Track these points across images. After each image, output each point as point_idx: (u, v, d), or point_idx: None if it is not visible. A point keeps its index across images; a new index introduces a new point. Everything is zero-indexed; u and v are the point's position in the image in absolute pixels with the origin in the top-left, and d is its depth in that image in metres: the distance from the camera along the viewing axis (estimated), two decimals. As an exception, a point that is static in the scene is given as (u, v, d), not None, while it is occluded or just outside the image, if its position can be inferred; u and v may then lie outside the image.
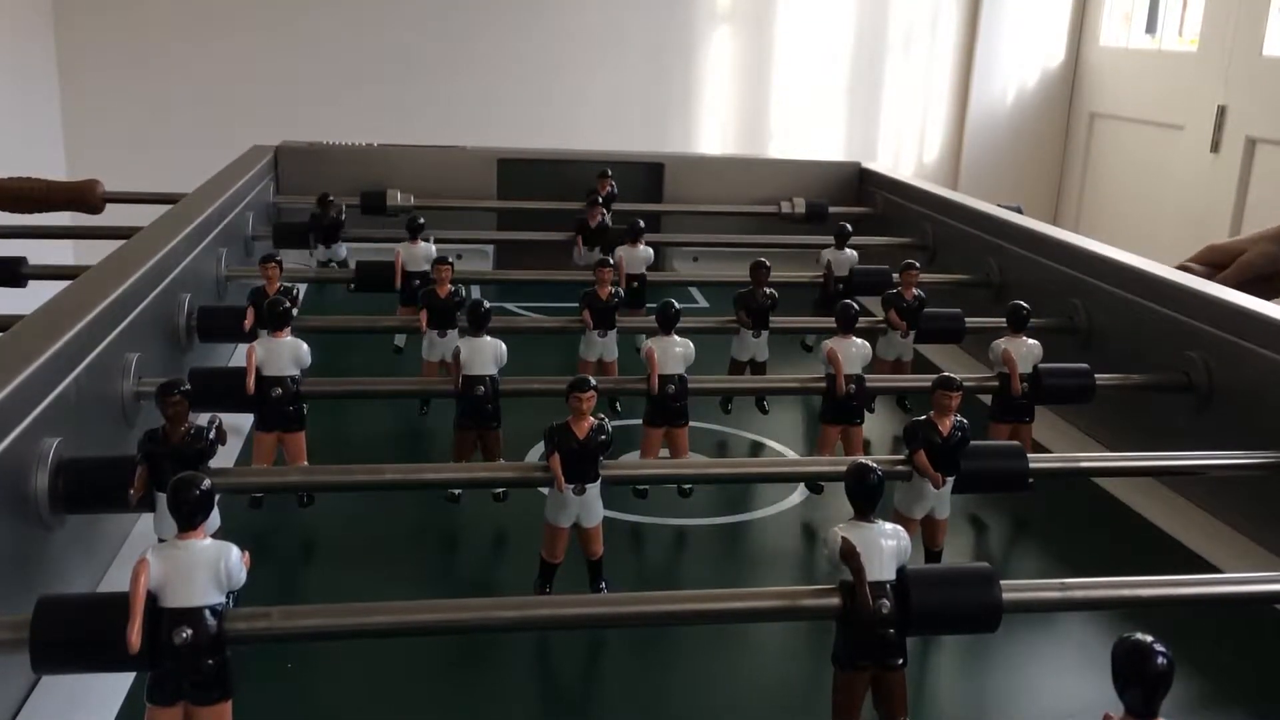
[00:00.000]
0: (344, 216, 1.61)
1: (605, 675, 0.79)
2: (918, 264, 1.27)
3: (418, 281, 1.31)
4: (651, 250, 1.42)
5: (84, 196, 1.68)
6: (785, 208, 1.98)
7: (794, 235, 1.90)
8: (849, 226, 1.52)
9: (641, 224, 1.42)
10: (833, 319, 1.05)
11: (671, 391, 0.97)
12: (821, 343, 1.05)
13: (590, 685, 0.79)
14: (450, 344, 1.14)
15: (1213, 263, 1.56)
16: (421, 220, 1.35)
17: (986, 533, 1.03)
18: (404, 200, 1.82)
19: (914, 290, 1.25)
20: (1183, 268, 1.49)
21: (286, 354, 0.91)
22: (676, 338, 0.99)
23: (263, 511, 0.96)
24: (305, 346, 0.92)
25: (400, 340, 1.36)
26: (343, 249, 1.61)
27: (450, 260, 1.18)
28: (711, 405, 1.26)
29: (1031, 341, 1.07)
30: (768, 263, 1.22)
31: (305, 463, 0.92)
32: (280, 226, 1.66)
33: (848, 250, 1.49)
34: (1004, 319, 1.09)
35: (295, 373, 0.92)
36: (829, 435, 1.02)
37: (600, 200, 1.70)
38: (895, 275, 1.29)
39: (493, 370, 0.95)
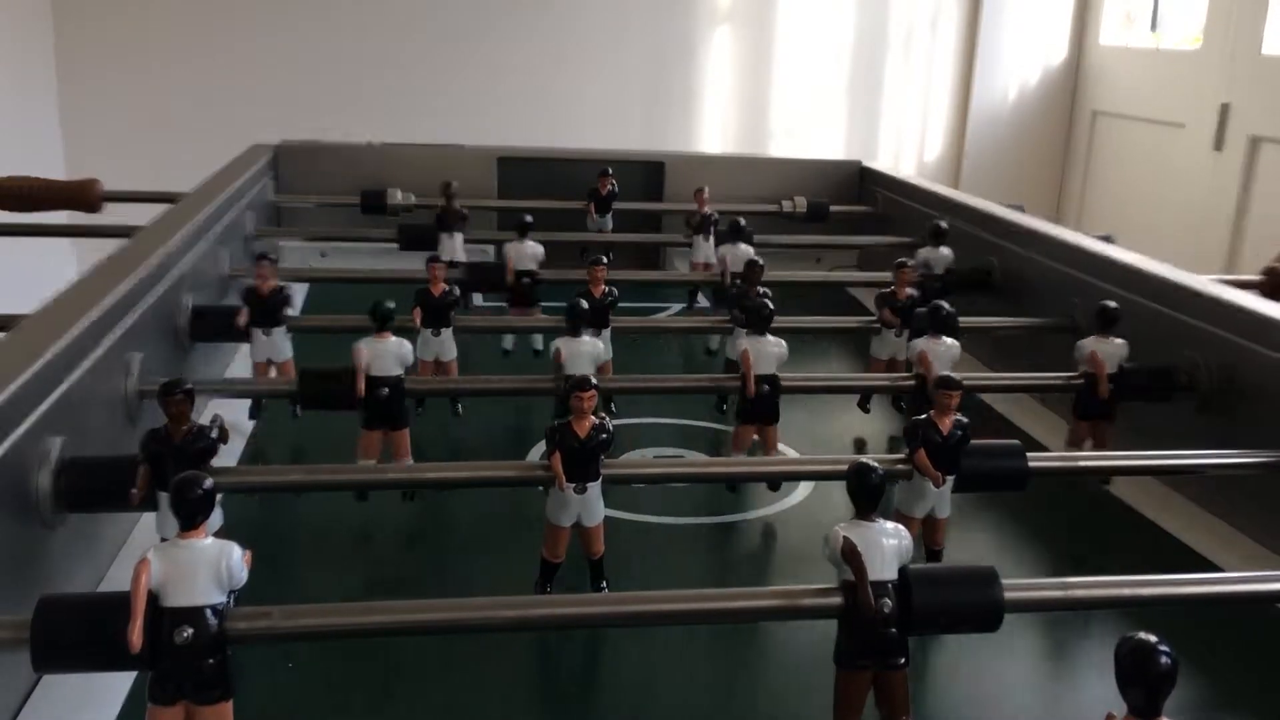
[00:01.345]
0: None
1: (605, 674, 0.79)
2: (910, 261, 1.27)
3: (527, 280, 1.33)
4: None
5: (83, 196, 1.68)
6: (787, 206, 1.97)
7: (795, 235, 1.90)
8: (943, 224, 1.51)
9: (743, 221, 1.49)
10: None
11: (766, 391, 0.99)
12: (912, 343, 1.08)
13: (590, 684, 0.79)
14: (445, 343, 1.14)
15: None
16: (529, 218, 1.38)
17: (987, 532, 1.03)
18: (404, 199, 1.82)
19: (907, 290, 1.25)
20: (1270, 270, 1.49)
21: (391, 354, 0.93)
22: (770, 338, 1.00)
23: (264, 511, 0.96)
24: (408, 346, 0.95)
25: (508, 343, 1.37)
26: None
27: (444, 259, 1.18)
28: (707, 404, 1.26)
29: (1119, 341, 1.07)
30: (761, 261, 1.23)
31: (410, 459, 0.95)
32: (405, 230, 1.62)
33: (943, 249, 1.48)
34: (1089, 320, 1.10)
35: (400, 372, 0.94)
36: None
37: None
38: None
39: (590, 369, 0.96)
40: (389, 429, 0.94)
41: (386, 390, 0.93)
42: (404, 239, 1.59)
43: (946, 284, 1.43)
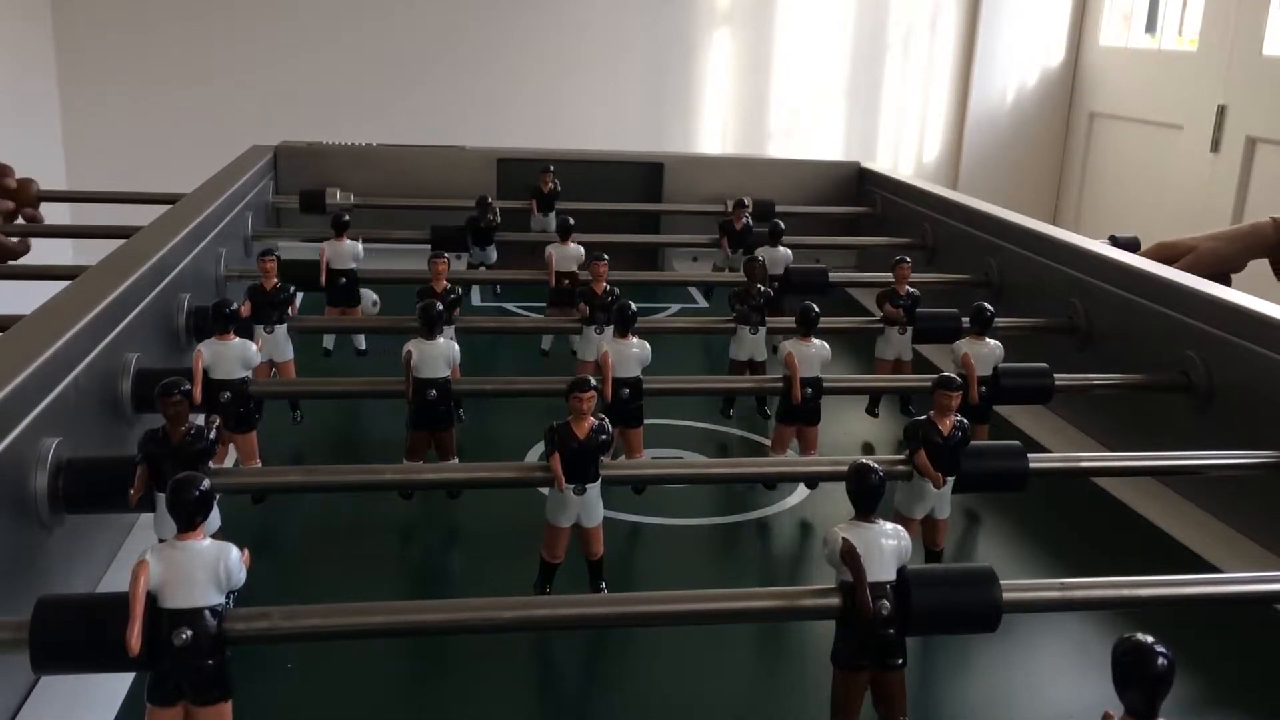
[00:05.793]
0: (499, 220, 1.63)
1: (605, 675, 0.79)
2: (908, 259, 1.26)
3: (343, 280, 1.32)
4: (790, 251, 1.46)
5: (17, 198, 1.67)
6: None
7: (794, 235, 1.90)
8: (782, 224, 1.49)
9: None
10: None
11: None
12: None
13: (590, 685, 0.79)
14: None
15: (1163, 259, 1.57)
16: (347, 217, 1.35)
17: (986, 533, 1.03)
18: (343, 199, 1.79)
19: (907, 286, 1.24)
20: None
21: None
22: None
23: (263, 511, 0.96)
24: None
25: (329, 342, 1.36)
26: (493, 252, 1.63)
27: (446, 256, 1.18)
28: (707, 405, 1.26)
29: (993, 343, 1.07)
30: (761, 257, 1.22)
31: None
32: (437, 229, 1.61)
33: (781, 249, 1.47)
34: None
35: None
36: (783, 434, 1.03)
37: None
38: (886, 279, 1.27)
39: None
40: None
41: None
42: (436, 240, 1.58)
43: (784, 285, 1.41)
